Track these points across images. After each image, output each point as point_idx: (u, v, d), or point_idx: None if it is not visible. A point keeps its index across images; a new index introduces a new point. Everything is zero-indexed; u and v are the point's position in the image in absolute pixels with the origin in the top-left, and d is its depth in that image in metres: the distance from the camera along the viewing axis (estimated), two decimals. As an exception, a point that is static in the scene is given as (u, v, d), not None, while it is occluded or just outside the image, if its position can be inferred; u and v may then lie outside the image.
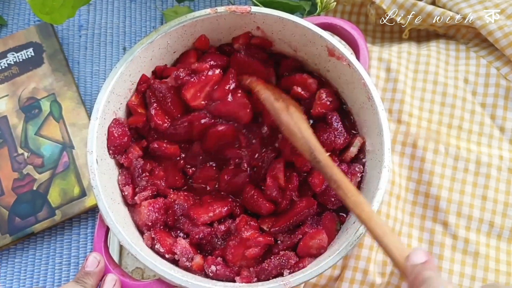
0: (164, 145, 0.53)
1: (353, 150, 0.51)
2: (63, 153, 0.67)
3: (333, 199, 0.50)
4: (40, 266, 0.66)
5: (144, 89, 0.53)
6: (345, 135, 0.52)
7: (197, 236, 0.49)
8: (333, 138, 0.51)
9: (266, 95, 0.49)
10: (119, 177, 0.52)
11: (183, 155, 0.55)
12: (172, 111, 0.52)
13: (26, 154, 0.67)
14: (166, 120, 0.53)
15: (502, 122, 0.58)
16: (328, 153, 0.51)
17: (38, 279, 0.65)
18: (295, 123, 0.47)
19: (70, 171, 0.66)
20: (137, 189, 0.51)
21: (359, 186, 0.51)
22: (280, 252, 0.48)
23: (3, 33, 0.75)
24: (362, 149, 0.52)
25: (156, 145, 0.53)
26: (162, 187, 0.52)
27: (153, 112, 0.52)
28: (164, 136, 0.53)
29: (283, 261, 0.47)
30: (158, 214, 0.49)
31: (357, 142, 0.51)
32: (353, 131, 0.54)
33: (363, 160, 0.51)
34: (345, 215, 0.51)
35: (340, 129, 0.52)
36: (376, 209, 0.45)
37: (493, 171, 0.56)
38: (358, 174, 0.50)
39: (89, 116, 0.69)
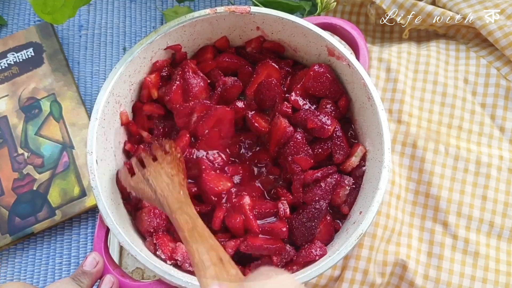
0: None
1: (355, 160, 0.50)
2: (63, 153, 0.67)
3: (317, 198, 0.48)
4: (40, 266, 0.66)
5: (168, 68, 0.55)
6: (345, 149, 0.50)
7: None
8: (333, 152, 0.50)
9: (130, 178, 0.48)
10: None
11: None
12: (191, 91, 0.53)
13: (26, 154, 0.67)
14: (180, 101, 0.53)
15: (502, 122, 0.58)
16: (322, 160, 0.51)
17: (38, 279, 0.65)
18: (149, 186, 0.45)
19: (70, 171, 0.66)
20: None
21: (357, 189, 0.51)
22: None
23: (3, 33, 0.75)
24: (363, 156, 0.51)
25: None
26: None
27: (174, 87, 0.52)
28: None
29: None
30: (159, 220, 0.49)
31: (359, 153, 0.50)
32: (352, 140, 0.53)
33: (364, 167, 0.50)
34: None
35: (340, 143, 0.50)
36: (376, 209, 0.45)
37: (493, 171, 0.56)
38: (347, 187, 0.49)
39: (89, 116, 0.69)
